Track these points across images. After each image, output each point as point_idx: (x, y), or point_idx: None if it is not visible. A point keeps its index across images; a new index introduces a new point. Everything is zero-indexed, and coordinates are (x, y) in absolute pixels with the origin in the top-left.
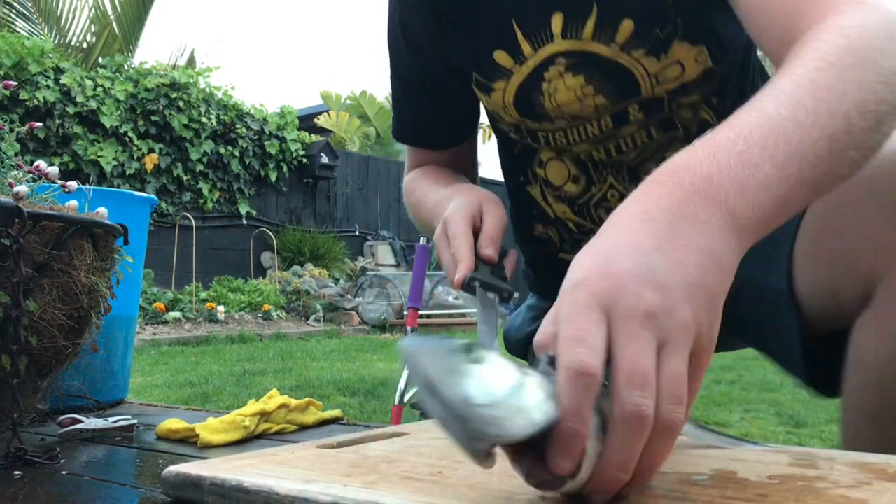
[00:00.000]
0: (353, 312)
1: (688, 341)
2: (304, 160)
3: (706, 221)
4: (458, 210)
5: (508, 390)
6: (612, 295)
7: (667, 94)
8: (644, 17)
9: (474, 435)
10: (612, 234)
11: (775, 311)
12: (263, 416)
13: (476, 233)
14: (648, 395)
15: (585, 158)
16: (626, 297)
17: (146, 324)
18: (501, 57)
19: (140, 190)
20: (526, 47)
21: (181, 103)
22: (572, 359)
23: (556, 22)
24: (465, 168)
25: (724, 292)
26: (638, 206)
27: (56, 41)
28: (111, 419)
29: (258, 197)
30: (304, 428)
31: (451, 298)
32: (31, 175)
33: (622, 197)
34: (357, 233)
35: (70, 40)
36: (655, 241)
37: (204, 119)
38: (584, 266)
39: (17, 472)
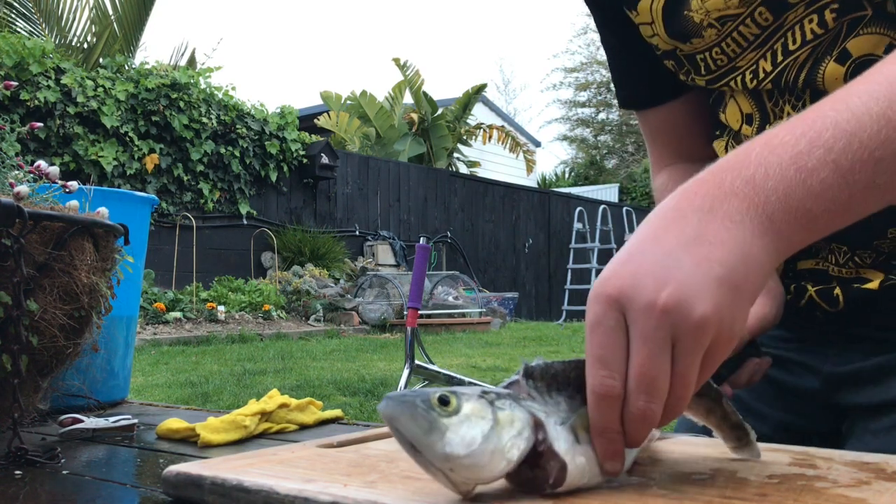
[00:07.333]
0: (354, 312)
1: (702, 338)
2: (305, 160)
3: (739, 222)
4: None
5: (482, 438)
6: (627, 294)
7: None
8: None
9: (459, 482)
10: (640, 232)
11: None
12: (264, 415)
13: None
14: (655, 399)
15: (756, 83)
16: (641, 295)
17: (147, 324)
18: None
19: (140, 190)
20: None
21: (182, 103)
22: (596, 383)
23: None
24: (700, 132)
25: (753, 289)
26: (671, 204)
27: (57, 41)
28: (112, 419)
29: (258, 197)
30: (304, 427)
31: (451, 298)
32: (31, 175)
33: None
34: (357, 233)
35: (71, 40)
36: (681, 239)
37: (204, 119)
38: (608, 267)
39: (17, 472)
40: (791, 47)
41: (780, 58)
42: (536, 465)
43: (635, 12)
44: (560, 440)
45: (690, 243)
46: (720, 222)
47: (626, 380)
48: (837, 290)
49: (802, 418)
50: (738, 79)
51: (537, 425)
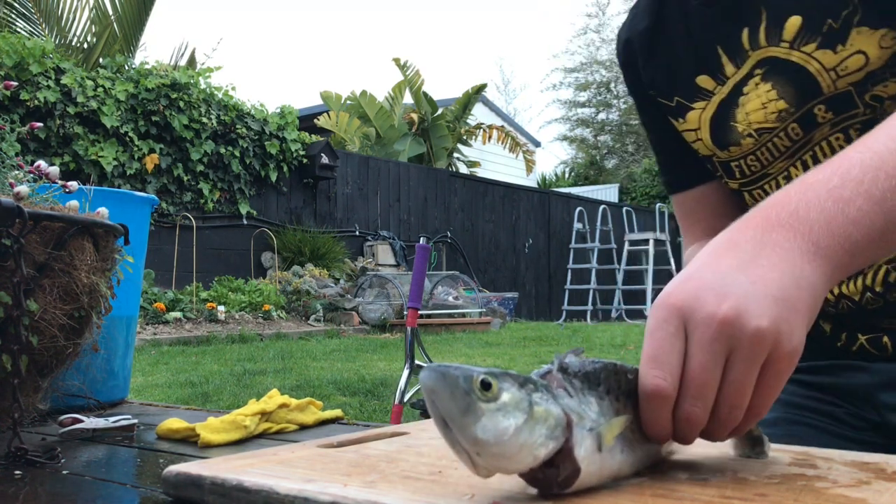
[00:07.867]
0: (354, 312)
1: (758, 349)
2: (305, 160)
3: (788, 249)
4: None
5: (514, 430)
6: (690, 305)
7: (852, 86)
8: (813, 8)
9: (482, 466)
10: (699, 259)
11: None
12: (264, 415)
13: None
14: (700, 404)
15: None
16: (703, 307)
17: (147, 324)
18: (704, 81)
19: (140, 190)
20: (729, 68)
21: (182, 103)
22: (647, 381)
23: (744, 37)
24: (733, 213)
25: (808, 309)
26: (725, 236)
27: (57, 41)
28: (112, 419)
29: (258, 197)
30: (304, 427)
31: (451, 298)
32: (31, 175)
33: None
34: (357, 233)
35: (71, 41)
36: (736, 262)
37: (204, 119)
38: (671, 284)
39: (17, 472)
40: (822, 158)
41: (811, 166)
42: (551, 463)
43: (682, 120)
44: (582, 446)
45: (746, 266)
46: (771, 249)
47: (678, 383)
48: (886, 339)
49: (837, 423)
50: (773, 184)
51: (567, 426)
